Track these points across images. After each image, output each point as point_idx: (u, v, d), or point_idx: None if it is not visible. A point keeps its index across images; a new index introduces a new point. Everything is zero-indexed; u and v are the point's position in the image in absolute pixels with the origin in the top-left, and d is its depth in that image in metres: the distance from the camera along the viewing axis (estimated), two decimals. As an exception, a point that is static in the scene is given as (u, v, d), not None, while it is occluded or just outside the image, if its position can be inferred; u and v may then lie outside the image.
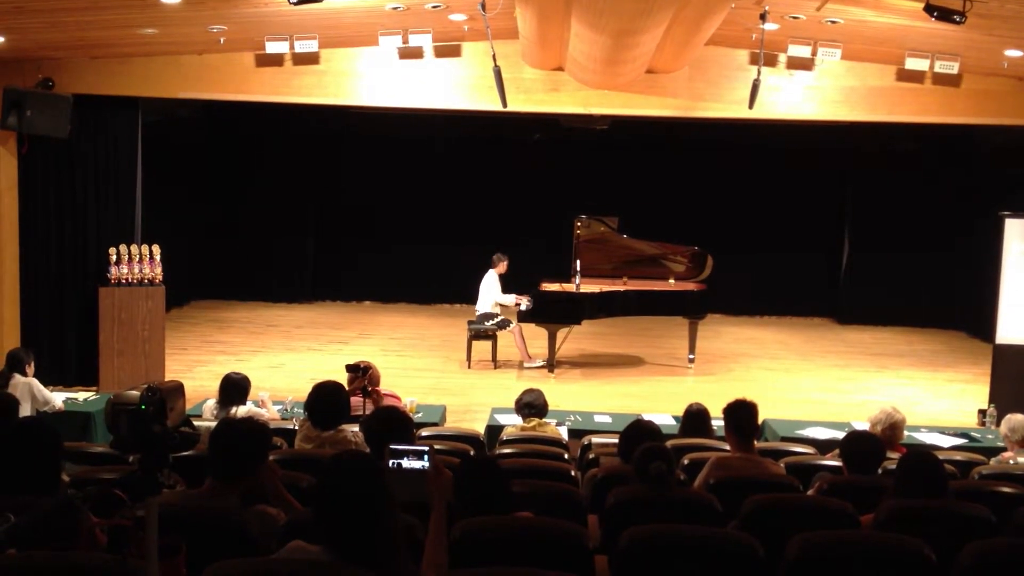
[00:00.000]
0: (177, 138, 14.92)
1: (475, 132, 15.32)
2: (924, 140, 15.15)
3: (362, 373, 7.11)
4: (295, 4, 7.69)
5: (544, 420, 7.17)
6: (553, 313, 11.78)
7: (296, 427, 6.11)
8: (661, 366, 12.76)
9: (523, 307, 11.99)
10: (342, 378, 6.64)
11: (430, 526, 3.45)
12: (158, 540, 2.71)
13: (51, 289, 10.66)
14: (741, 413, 5.47)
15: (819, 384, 12.13)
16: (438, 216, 16.79)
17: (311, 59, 10.34)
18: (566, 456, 6.05)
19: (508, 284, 12.55)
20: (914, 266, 16.25)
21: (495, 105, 10.02)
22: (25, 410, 7.55)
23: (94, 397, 8.84)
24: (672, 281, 12.70)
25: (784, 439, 7.62)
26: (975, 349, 14.26)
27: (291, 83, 10.50)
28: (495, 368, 12.18)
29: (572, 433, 7.59)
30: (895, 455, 5.66)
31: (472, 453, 4.41)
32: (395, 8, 9.01)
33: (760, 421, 5.99)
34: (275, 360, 12.51)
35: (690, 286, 12.52)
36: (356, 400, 6.86)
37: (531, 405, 7.08)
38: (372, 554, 2.92)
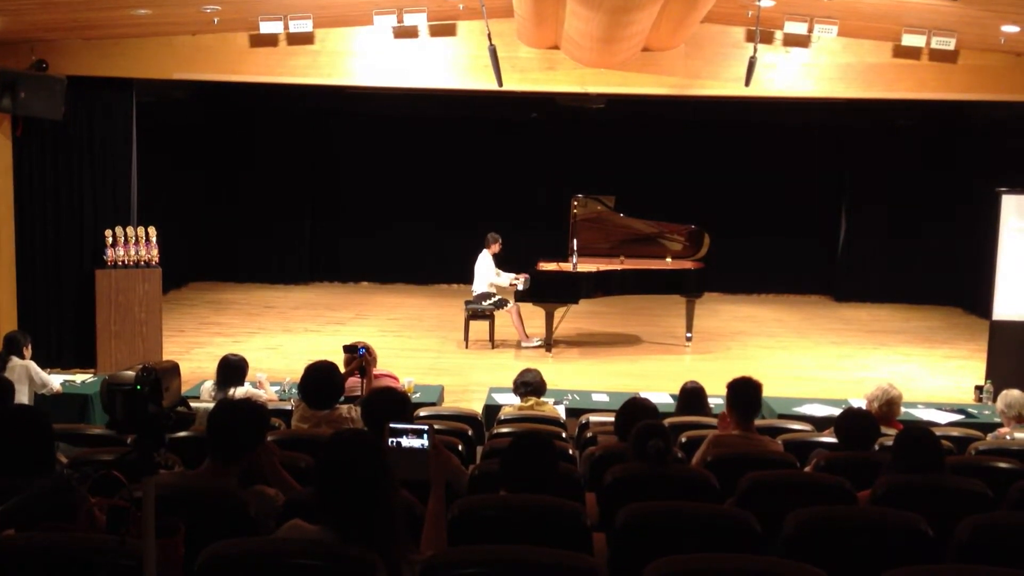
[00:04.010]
0: (172, 119, 14.87)
1: (471, 112, 15.27)
2: (921, 117, 15.13)
3: (359, 354, 7.11)
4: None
5: (542, 399, 7.18)
6: (550, 292, 11.78)
7: (293, 407, 6.12)
8: (658, 345, 12.78)
9: (520, 287, 11.99)
10: (339, 359, 6.65)
11: (429, 504, 3.46)
12: (156, 520, 2.71)
13: (48, 272, 10.65)
14: (745, 391, 5.46)
15: (816, 361, 12.15)
16: (434, 196, 16.78)
17: (305, 39, 10.29)
18: (564, 435, 6.06)
19: (505, 264, 12.55)
20: (911, 243, 16.28)
21: (491, 84, 9.98)
22: (23, 392, 7.56)
23: (92, 379, 8.83)
24: (669, 260, 12.70)
25: (781, 416, 7.63)
26: (972, 325, 14.29)
27: (285, 63, 10.45)
28: (492, 348, 12.19)
29: (570, 412, 7.61)
30: (892, 431, 5.67)
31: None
32: (389, -13, 8.98)
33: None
34: (272, 341, 12.51)
35: (687, 264, 12.53)
36: (354, 381, 6.87)
37: (528, 384, 7.09)
38: (371, 533, 2.93)
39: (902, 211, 16.21)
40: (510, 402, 7.42)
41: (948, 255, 15.89)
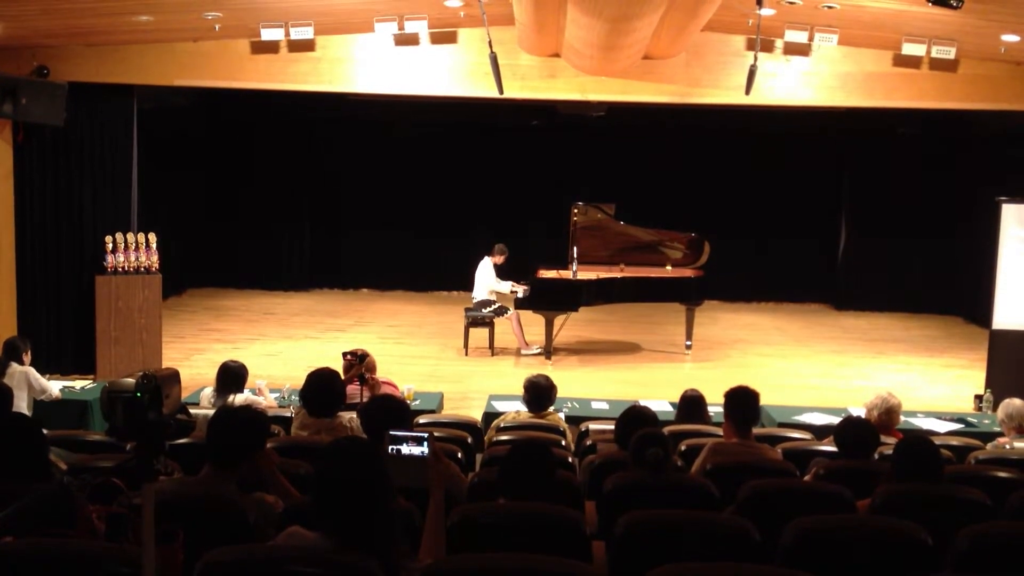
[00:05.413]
0: (173, 126, 14.88)
1: (472, 119, 15.28)
2: (922, 125, 15.14)
3: (359, 361, 7.11)
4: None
5: (548, 409, 7.03)
6: (550, 300, 11.78)
7: (293, 415, 6.11)
8: (658, 352, 12.77)
9: (520, 294, 12.00)
10: (339, 366, 6.64)
11: (428, 512, 3.45)
12: (155, 527, 2.71)
13: (48, 277, 10.64)
14: (742, 400, 5.47)
15: (816, 370, 12.14)
16: (435, 203, 16.79)
17: (306, 46, 10.30)
18: (563, 442, 6.05)
19: (506, 271, 12.56)
20: (911, 252, 16.28)
21: (491, 92, 9.98)
22: (22, 399, 7.55)
23: (91, 385, 8.83)
24: (669, 268, 12.70)
25: (781, 425, 7.63)
26: (972, 334, 14.28)
27: (287, 70, 10.46)
28: (492, 355, 12.19)
29: (569, 420, 7.56)
30: (891, 440, 5.67)
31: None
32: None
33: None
34: (272, 348, 12.50)
35: (687, 272, 12.52)
36: (353, 388, 6.87)
37: (532, 400, 6.75)
38: (370, 540, 2.93)
39: (902, 220, 16.21)
40: (508, 409, 7.38)
41: (948, 264, 15.90)
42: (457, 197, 16.71)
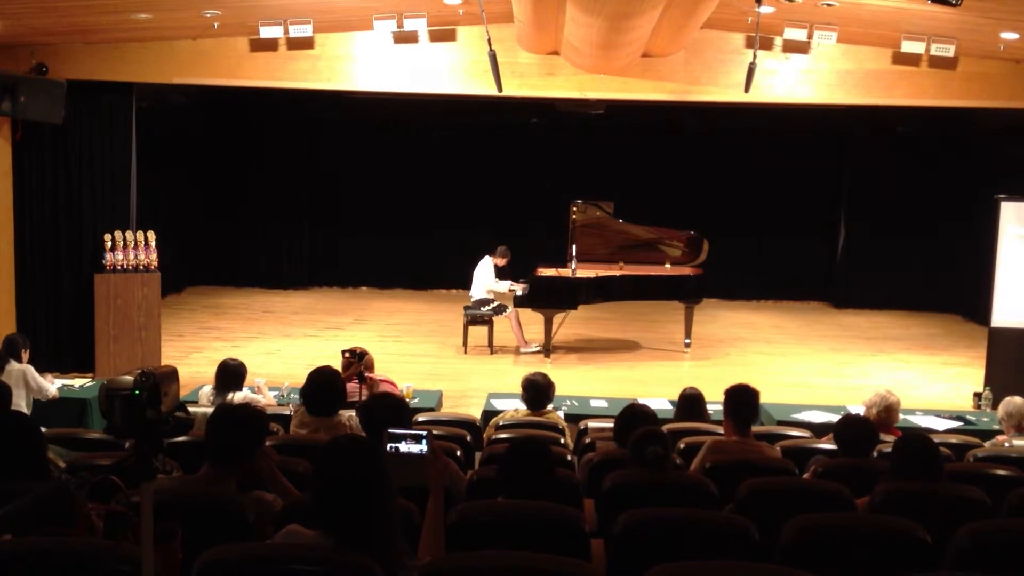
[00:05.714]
0: (172, 124, 14.86)
1: (471, 117, 15.27)
2: (921, 123, 15.14)
3: (358, 359, 7.11)
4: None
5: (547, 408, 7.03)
6: (549, 298, 11.78)
7: (292, 413, 6.11)
8: (657, 351, 12.76)
9: (519, 292, 12.00)
10: (338, 364, 6.64)
11: (427, 510, 3.45)
12: (154, 525, 2.70)
13: (47, 276, 10.64)
14: (741, 397, 5.47)
15: (815, 368, 12.14)
16: (434, 202, 16.79)
17: (305, 44, 10.29)
18: (562, 440, 6.05)
19: (506, 272, 12.56)
20: (910, 250, 16.28)
21: (490, 90, 9.97)
22: (20, 397, 7.55)
23: (90, 383, 8.82)
24: (668, 266, 12.71)
25: (780, 423, 7.62)
26: (971, 332, 14.29)
27: (286, 68, 10.45)
28: (491, 354, 12.18)
29: (568, 418, 7.57)
30: (890, 438, 5.67)
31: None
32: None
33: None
34: (271, 346, 12.50)
35: (686, 271, 12.52)
36: (352, 386, 6.87)
37: (531, 399, 6.72)
38: (369, 538, 2.93)
39: (901, 218, 16.21)
40: (507, 407, 7.39)
41: (947, 262, 15.90)
42: (456, 195, 16.70)
